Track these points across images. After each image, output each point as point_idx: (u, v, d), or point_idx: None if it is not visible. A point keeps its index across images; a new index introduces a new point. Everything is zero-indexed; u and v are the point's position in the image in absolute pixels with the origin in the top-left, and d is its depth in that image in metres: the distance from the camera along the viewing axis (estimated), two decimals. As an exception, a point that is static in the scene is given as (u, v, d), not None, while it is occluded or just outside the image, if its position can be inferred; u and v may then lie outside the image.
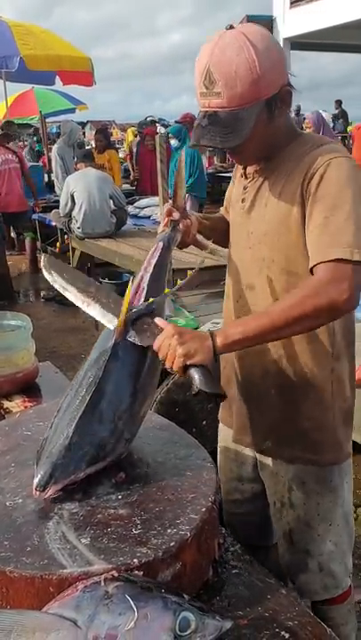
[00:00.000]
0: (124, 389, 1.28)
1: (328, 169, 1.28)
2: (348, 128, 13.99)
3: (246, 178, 1.50)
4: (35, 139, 12.93)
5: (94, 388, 1.24)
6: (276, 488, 1.55)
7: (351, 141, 7.05)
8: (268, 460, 1.55)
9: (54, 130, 16.02)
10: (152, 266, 1.45)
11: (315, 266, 1.24)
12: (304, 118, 6.51)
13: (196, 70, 1.30)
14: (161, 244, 1.51)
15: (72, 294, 1.45)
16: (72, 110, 13.59)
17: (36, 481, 1.16)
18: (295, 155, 1.37)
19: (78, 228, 6.16)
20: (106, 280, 5.96)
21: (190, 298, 4.29)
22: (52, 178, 8.92)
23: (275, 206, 1.38)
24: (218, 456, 1.71)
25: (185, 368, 1.22)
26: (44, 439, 1.25)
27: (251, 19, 12.47)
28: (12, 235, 8.25)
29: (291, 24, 12.67)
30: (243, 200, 1.49)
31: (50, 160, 9.37)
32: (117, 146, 12.23)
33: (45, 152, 10.67)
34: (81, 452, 1.19)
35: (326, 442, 1.48)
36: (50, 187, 9.27)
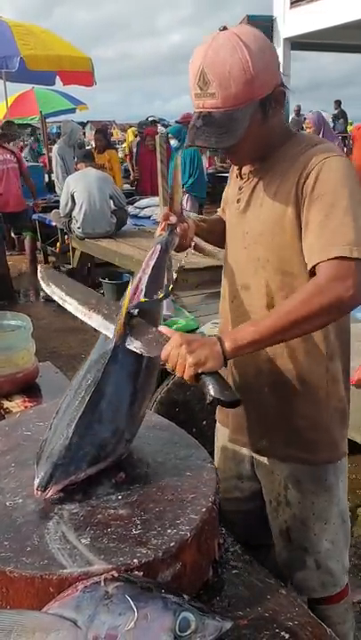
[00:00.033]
0: (123, 390, 1.28)
1: (323, 168, 1.29)
2: (349, 128, 14.00)
3: (242, 178, 1.51)
4: (32, 139, 12.91)
5: (94, 389, 1.24)
6: (272, 486, 1.56)
7: (351, 142, 7.04)
8: (264, 459, 1.56)
9: (54, 130, 16.03)
10: (150, 268, 1.45)
11: (316, 265, 1.24)
12: (305, 118, 6.48)
13: (190, 72, 1.31)
14: (159, 247, 1.51)
15: (72, 306, 1.43)
16: (72, 110, 13.59)
17: (36, 481, 1.16)
18: (289, 155, 1.37)
19: (78, 228, 6.16)
20: (106, 280, 5.96)
21: (190, 298, 4.30)
22: (53, 178, 8.92)
23: (270, 206, 1.39)
24: (216, 455, 1.72)
25: (197, 377, 1.22)
26: (44, 440, 1.25)
27: (251, 19, 12.47)
28: (13, 235, 8.24)
29: (291, 24, 12.66)
30: (238, 200, 1.50)
31: (50, 160, 9.37)
32: (116, 146, 12.21)
33: (46, 152, 10.67)
34: (81, 453, 1.19)
35: (321, 441, 1.49)
36: (50, 187, 9.27)
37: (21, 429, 1.48)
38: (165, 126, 10.03)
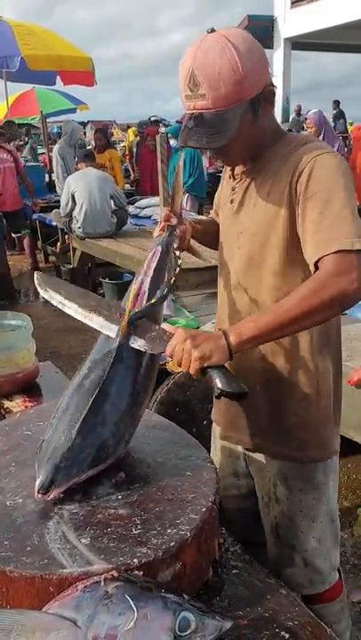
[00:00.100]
0: (126, 391, 1.28)
1: (315, 166, 1.30)
2: (349, 128, 13.99)
3: (234, 179, 1.52)
4: (26, 138, 12.90)
5: (98, 390, 1.24)
6: (263, 483, 1.58)
7: (351, 142, 7.03)
8: (256, 456, 1.58)
9: (55, 130, 16.02)
10: (152, 270, 1.46)
11: (318, 260, 1.24)
12: (305, 118, 6.45)
13: (180, 74, 1.32)
14: (160, 248, 1.52)
15: (72, 310, 1.43)
16: (73, 110, 13.60)
17: (38, 483, 1.16)
18: (280, 154, 1.39)
19: (79, 227, 6.16)
20: (106, 280, 5.96)
21: (191, 298, 4.30)
22: (53, 178, 8.93)
23: (263, 206, 1.40)
24: (212, 453, 1.72)
25: (203, 371, 1.22)
26: (44, 440, 1.25)
27: (252, 19, 12.48)
28: (13, 235, 8.25)
29: (291, 24, 12.66)
30: (231, 201, 1.51)
31: (50, 160, 9.37)
32: (115, 146, 12.21)
33: (46, 152, 10.67)
34: (83, 455, 1.19)
35: (310, 439, 1.49)
36: (50, 187, 9.28)
37: (22, 429, 1.48)
38: (166, 126, 10.02)
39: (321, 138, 6.12)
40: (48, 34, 9.51)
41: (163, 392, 3.07)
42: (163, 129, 8.50)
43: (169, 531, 1.09)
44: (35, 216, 8.00)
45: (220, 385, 1.20)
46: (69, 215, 6.24)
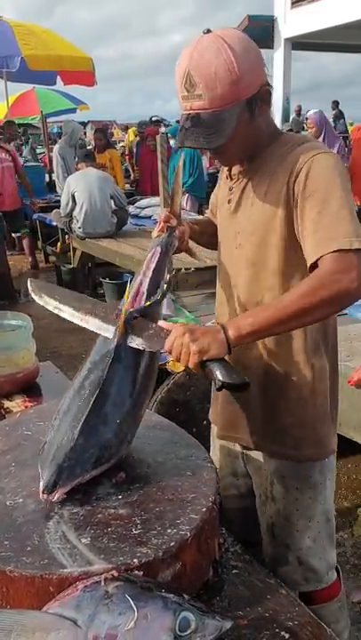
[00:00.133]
0: (126, 391, 1.28)
1: (312, 166, 1.30)
2: (349, 128, 13.97)
3: (231, 179, 1.52)
4: (24, 138, 12.90)
5: (98, 390, 1.24)
6: (260, 481, 1.58)
7: (351, 142, 7.00)
8: (254, 454, 1.58)
9: (55, 130, 16.02)
10: (151, 270, 1.46)
11: (318, 259, 1.24)
12: (306, 118, 6.41)
13: (176, 75, 1.33)
14: (159, 249, 1.53)
15: (67, 314, 1.44)
16: (73, 110, 13.59)
17: (42, 484, 1.16)
18: (277, 154, 1.39)
19: (79, 227, 6.16)
20: (106, 280, 5.96)
21: (191, 298, 4.30)
22: (53, 178, 8.93)
23: (260, 206, 1.41)
24: (211, 453, 1.73)
25: (202, 365, 1.22)
26: (46, 442, 1.25)
27: (252, 19, 12.47)
28: (14, 235, 8.25)
29: (292, 24, 12.65)
30: (229, 201, 1.52)
31: (51, 160, 9.37)
32: (115, 145, 12.21)
33: (46, 152, 10.67)
34: (87, 455, 1.19)
35: (307, 438, 1.50)
36: (51, 187, 9.28)
37: (22, 429, 1.48)
38: (166, 126, 10.03)
39: (322, 138, 6.12)
40: (48, 34, 9.50)
41: (163, 392, 3.07)
42: (163, 129, 8.50)
43: (169, 531, 1.09)
44: (35, 216, 8.00)
45: (220, 377, 1.20)
46: (69, 215, 6.24)
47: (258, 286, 1.44)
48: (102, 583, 0.92)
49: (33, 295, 1.54)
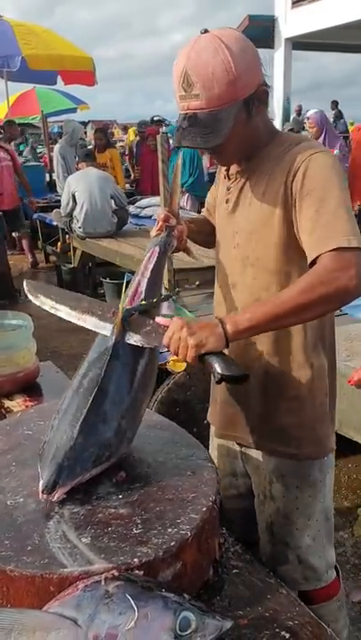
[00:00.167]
0: (125, 388, 1.28)
1: (310, 165, 1.31)
2: (350, 128, 13.96)
3: (229, 179, 1.53)
4: (21, 138, 12.89)
5: (97, 388, 1.24)
6: (259, 480, 1.59)
7: (351, 142, 6.97)
8: (252, 453, 1.58)
9: (56, 129, 16.01)
10: (149, 270, 1.47)
11: (316, 258, 1.25)
12: (307, 118, 6.38)
13: (173, 74, 1.33)
14: (157, 249, 1.53)
15: (64, 313, 1.44)
16: (73, 110, 13.59)
17: (42, 484, 1.16)
18: (274, 154, 1.40)
19: (79, 227, 6.16)
20: (107, 280, 5.96)
21: (191, 298, 4.30)
22: (54, 177, 8.93)
23: (258, 206, 1.41)
24: (210, 454, 1.73)
25: (200, 358, 1.23)
26: (45, 442, 1.25)
27: (252, 19, 12.47)
28: (14, 234, 8.25)
29: (292, 24, 12.65)
30: (227, 201, 1.52)
31: (51, 160, 9.38)
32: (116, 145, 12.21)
33: (47, 152, 10.67)
34: (87, 453, 1.19)
35: (306, 437, 1.50)
36: (51, 186, 9.27)
37: (22, 429, 1.48)
38: (167, 126, 10.01)
39: (323, 138, 6.10)
40: (49, 33, 9.49)
41: (163, 392, 3.08)
42: (164, 129, 8.50)
43: (169, 530, 1.09)
44: (35, 216, 8.00)
45: (219, 370, 1.20)
46: (70, 215, 6.24)
47: (256, 285, 1.45)
48: (103, 583, 0.92)
49: (29, 296, 1.54)
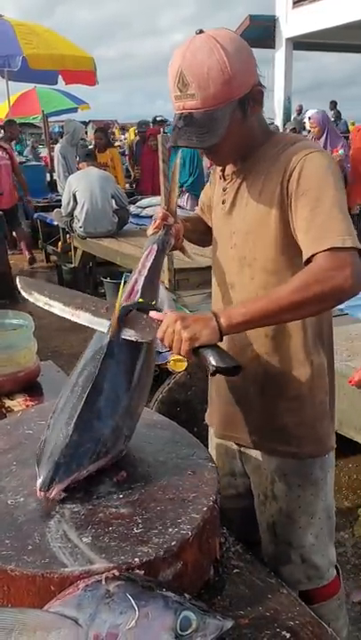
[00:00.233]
0: (120, 386, 1.28)
1: (305, 165, 1.32)
2: (350, 128, 13.94)
3: (225, 179, 1.53)
4: (33, 138, 12.93)
5: (91, 386, 1.24)
6: (259, 480, 1.58)
7: (351, 141, 6.96)
8: (252, 454, 1.58)
9: (56, 129, 16.01)
10: (147, 269, 1.47)
11: (311, 257, 1.26)
12: (309, 118, 6.37)
13: (169, 74, 1.33)
14: (155, 247, 1.54)
15: (58, 309, 1.44)
16: (74, 110, 13.59)
17: (39, 482, 1.16)
18: (269, 154, 1.40)
19: (80, 227, 6.16)
20: (107, 279, 5.97)
21: (191, 297, 4.30)
22: (55, 177, 8.93)
23: (255, 206, 1.42)
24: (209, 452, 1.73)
25: (194, 351, 1.23)
26: (43, 440, 1.25)
27: (253, 19, 12.48)
28: (15, 234, 8.26)
29: (293, 24, 12.66)
30: (223, 202, 1.52)
31: (52, 159, 9.38)
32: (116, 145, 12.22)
33: (47, 151, 10.68)
34: (82, 450, 1.19)
35: (306, 435, 1.51)
36: (52, 186, 9.28)
37: (23, 428, 1.48)
38: (168, 126, 10.01)
39: (324, 137, 6.11)
40: (50, 33, 9.49)
41: (164, 391, 3.08)
42: (166, 129, 8.50)
43: (170, 530, 1.09)
44: (35, 215, 8.00)
45: (213, 362, 1.21)
46: (71, 214, 6.24)
47: (254, 285, 1.45)
48: (103, 582, 0.92)
49: (23, 293, 1.54)
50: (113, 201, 6.22)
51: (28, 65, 8.35)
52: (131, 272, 1.53)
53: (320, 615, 1.51)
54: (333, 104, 16.05)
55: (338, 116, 16.09)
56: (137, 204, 7.52)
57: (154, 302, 1.41)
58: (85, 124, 13.96)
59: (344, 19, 11.05)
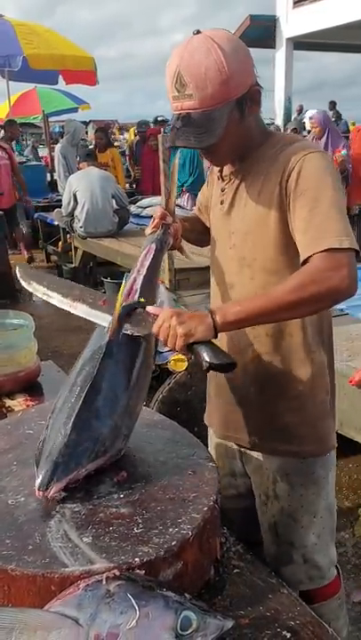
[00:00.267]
0: (119, 385, 1.28)
1: (304, 165, 1.32)
2: (351, 128, 13.93)
3: (223, 180, 1.53)
4: (34, 138, 12.93)
5: (90, 385, 1.24)
6: (261, 481, 1.58)
7: (351, 142, 6.95)
8: (253, 454, 1.58)
9: (57, 129, 16.01)
10: (145, 268, 1.48)
11: (308, 257, 1.26)
12: (310, 117, 6.36)
13: (166, 75, 1.33)
14: (154, 246, 1.55)
15: (56, 300, 1.47)
16: (75, 110, 13.60)
17: (38, 481, 1.16)
18: (268, 155, 1.40)
19: (81, 227, 6.16)
20: (108, 279, 5.97)
21: (191, 297, 4.30)
22: (55, 177, 8.93)
23: (254, 206, 1.42)
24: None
25: (189, 347, 1.24)
26: (41, 440, 1.25)
27: (254, 19, 12.47)
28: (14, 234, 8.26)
29: (294, 24, 12.66)
30: (222, 202, 1.52)
31: (52, 159, 9.38)
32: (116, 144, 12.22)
33: (48, 151, 10.69)
34: (80, 449, 1.19)
35: (308, 435, 1.51)
36: (52, 186, 9.28)
37: (23, 428, 1.48)
38: (169, 126, 10.01)
39: (325, 137, 6.10)
40: (50, 33, 9.50)
41: (164, 391, 3.08)
42: (167, 129, 8.50)
43: (171, 530, 1.09)
44: (36, 215, 8.00)
45: (207, 358, 1.21)
46: (71, 214, 6.24)
47: (253, 285, 1.45)
48: (104, 582, 0.92)
49: (22, 282, 1.56)
50: (113, 201, 6.23)
51: (28, 65, 8.35)
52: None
53: (320, 615, 1.51)
54: (333, 104, 16.01)
55: (338, 116, 16.07)
56: (137, 203, 7.52)
57: (153, 302, 1.42)
58: (86, 123, 13.97)
59: (345, 19, 11.05)
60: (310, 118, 6.28)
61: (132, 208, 7.19)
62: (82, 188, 6.02)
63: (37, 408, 1.69)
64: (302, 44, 13.40)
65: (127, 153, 12.12)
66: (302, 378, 1.48)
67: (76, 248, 6.72)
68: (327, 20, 11.48)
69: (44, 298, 1.49)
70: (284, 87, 13.33)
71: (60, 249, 7.36)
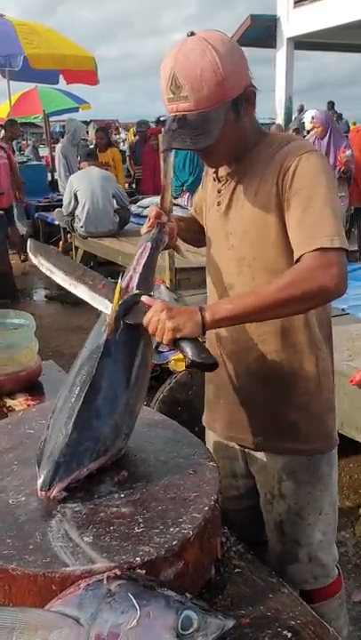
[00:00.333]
0: (118, 384, 1.28)
1: (299, 164, 1.33)
2: (351, 128, 13.92)
3: (219, 181, 1.53)
4: (34, 138, 12.94)
5: (89, 384, 1.25)
6: (265, 480, 1.58)
7: (350, 142, 6.94)
8: (258, 454, 1.58)
9: (57, 129, 16.01)
10: (141, 266, 1.48)
11: (301, 256, 1.27)
12: (312, 117, 6.34)
13: (161, 77, 1.33)
14: (149, 245, 1.55)
15: (58, 277, 1.51)
16: (75, 109, 13.59)
17: (40, 481, 1.16)
18: (264, 155, 1.41)
19: (81, 227, 6.16)
20: (109, 279, 5.97)
21: (192, 297, 4.30)
22: (56, 177, 8.94)
23: (252, 207, 1.42)
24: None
25: (175, 342, 1.25)
26: (42, 440, 1.25)
27: (254, 18, 12.47)
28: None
29: (294, 23, 12.66)
30: (218, 203, 1.52)
31: (53, 159, 9.39)
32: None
33: (49, 151, 10.70)
34: (82, 448, 1.20)
35: (315, 432, 1.52)
36: (53, 186, 9.28)
37: (24, 427, 1.49)
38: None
39: (327, 137, 6.09)
40: (51, 33, 9.50)
41: (165, 391, 3.08)
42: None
43: (171, 529, 1.09)
44: (37, 215, 8.00)
45: (190, 355, 1.23)
46: (72, 214, 6.24)
47: (253, 285, 1.45)
48: (105, 582, 0.92)
49: (30, 254, 1.61)
50: (114, 200, 6.23)
51: (29, 64, 8.36)
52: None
53: (321, 614, 1.51)
54: (331, 104, 15.98)
55: (339, 116, 16.05)
56: (138, 203, 7.52)
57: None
58: (86, 123, 13.97)
59: (345, 18, 11.06)
60: (312, 118, 6.27)
61: (133, 208, 7.19)
62: (82, 188, 6.02)
63: (38, 408, 1.69)
64: (303, 43, 13.40)
65: (127, 153, 12.14)
66: (309, 376, 1.48)
67: (76, 248, 6.72)
68: (328, 20, 11.49)
69: (48, 273, 1.53)
70: (284, 87, 13.33)
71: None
